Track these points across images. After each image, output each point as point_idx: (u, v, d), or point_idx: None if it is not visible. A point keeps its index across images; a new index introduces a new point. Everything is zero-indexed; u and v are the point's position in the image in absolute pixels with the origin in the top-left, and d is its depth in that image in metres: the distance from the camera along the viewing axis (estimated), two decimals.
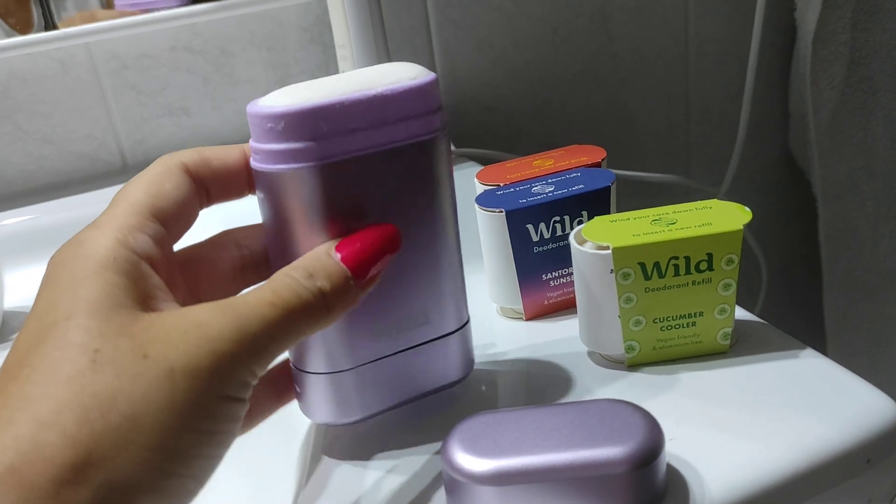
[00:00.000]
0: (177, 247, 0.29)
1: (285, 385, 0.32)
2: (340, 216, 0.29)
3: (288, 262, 0.30)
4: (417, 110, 0.29)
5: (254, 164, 0.29)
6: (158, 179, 0.27)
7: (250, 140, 0.29)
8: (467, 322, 0.34)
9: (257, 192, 0.29)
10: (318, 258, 0.27)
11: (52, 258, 0.25)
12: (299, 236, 0.29)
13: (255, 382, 0.25)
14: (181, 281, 0.29)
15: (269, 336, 0.24)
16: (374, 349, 0.31)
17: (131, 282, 0.24)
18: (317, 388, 0.32)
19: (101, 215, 0.27)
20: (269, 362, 0.25)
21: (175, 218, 0.28)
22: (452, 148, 0.68)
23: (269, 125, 0.27)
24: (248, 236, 0.31)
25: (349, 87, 0.28)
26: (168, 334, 0.23)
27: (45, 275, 0.25)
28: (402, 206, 0.30)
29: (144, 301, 0.24)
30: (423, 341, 0.32)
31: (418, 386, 0.33)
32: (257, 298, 0.25)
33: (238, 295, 0.25)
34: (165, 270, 0.27)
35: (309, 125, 0.27)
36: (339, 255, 0.27)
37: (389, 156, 0.29)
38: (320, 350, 0.31)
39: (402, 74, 0.29)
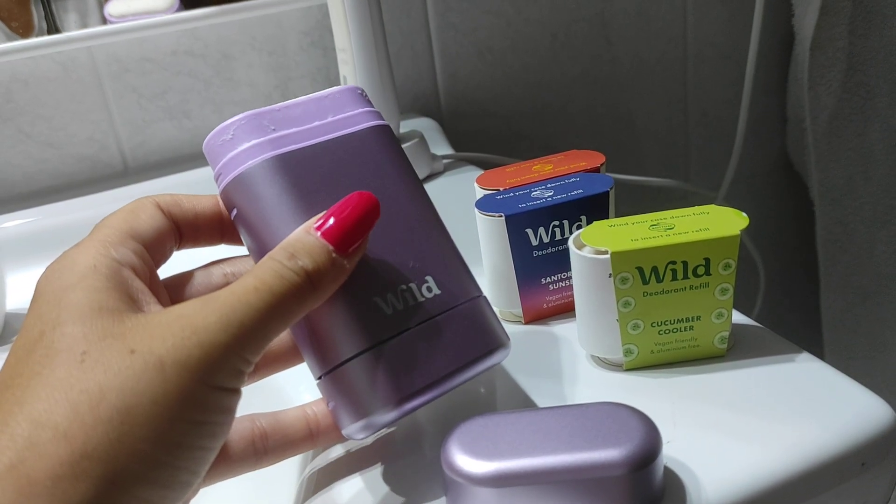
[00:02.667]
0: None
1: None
2: (312, 198, 0.29)
3: None
4: (356, 106, 0.33)
5: (221, 185, 0.30)
6: (133, 210, 0.29)
7: (214, 173, 0.30)
8: (482, 294, 0.32)
9: (232, 212, 0.30)
10: (298, 238, 0.27)
11: (39, 278, 0.26)
12: (280, 229, 0.29)
13: (248, 370, 0.25)
14: (167, 301, 0.29)
15: (257, 321, 0.24)
16: (391, 323, 0.29)
17: (113, 284, 0.25)
18: (346, 380, 0.29)
19: (82, 240, 0.27)
20: (262, 348, 0.25)
21: (151, 243, 0.28)
22: (451, 151, 0.69)
23: (223, 138, 0.30)
24: (235, 264, 0.32)
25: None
26: (153, 330, 0.23)
27: (33, 294, 0.26)
28: (372, 182, 0.31)
29: (128, 303, 0.25)
30: (443, 310, 0.30)
31: (457, 356, 0.30)
32: (241, 287, 0.25)
33: (223, 288, 0.25)
34: (148, 282, 0.27)
35: (256, 125, 0.30)
36: (318, 232, 0.27)
37: (345, 140, 0.31)
38: (340, 331, 0.29)
39: (331, 89, 0.33)
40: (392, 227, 0.30)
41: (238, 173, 0.30)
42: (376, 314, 0.29)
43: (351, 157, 0.31)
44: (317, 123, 0.31)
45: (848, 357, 0.91)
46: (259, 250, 0.30)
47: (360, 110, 0.33)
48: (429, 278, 0.31)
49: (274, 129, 0.30)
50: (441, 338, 0.30)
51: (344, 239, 0.27)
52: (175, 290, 0.30)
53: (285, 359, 0.32)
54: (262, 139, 0.30)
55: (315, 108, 0.32)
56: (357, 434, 0.29)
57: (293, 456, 0.30)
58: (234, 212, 0.30)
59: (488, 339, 0.31)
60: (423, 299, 0.30)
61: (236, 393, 0.24)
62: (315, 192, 0.30)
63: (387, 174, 0.31)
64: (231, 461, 0.28)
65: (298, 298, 0.26)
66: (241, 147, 0.30)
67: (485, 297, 0.32)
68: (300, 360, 0.32)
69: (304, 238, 0.27)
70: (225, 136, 0.30)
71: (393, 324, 0.29)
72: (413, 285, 0.30)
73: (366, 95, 0.34)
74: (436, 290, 0.30)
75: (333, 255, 0.27)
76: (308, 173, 0.30)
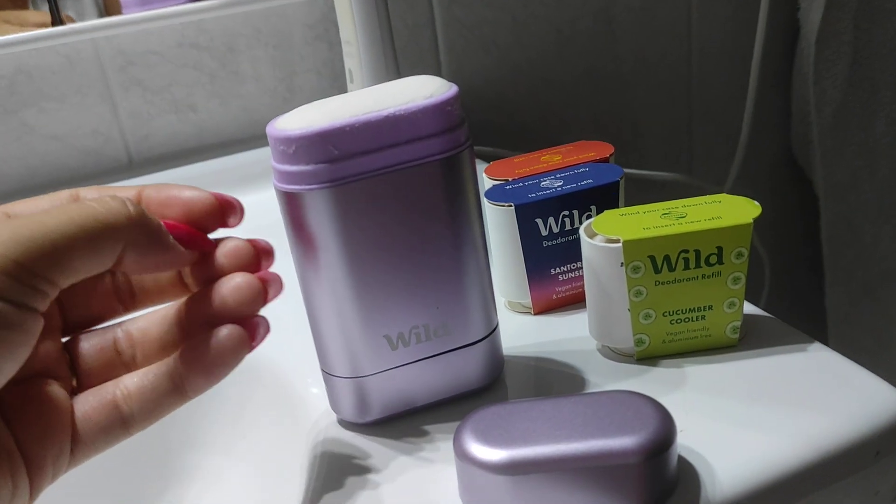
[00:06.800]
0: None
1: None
2: (355, 234, 0.29)
3: (308, 279, 0.31)
4: (433, 129, 0.29)
5: (274, 181, 0.30)
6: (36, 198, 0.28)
7: (271, 159, 0.30)
8: (494, 330, 0.34)
9: (279, 207, 0.30)
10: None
11: None
12: (317, 253, 0.30)
13: (45, 289, 0.23)
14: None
15: (51, 236, 0.23)
16: (393, 357, 0.32)
17: None
18: (339, 389, 0.33)
19: None
20: (59, 263, 0.23)
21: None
22: None
23: (282, 148, 0.28)
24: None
25: (363, 106, 0.29)
26: None
27: None
28: (420, 223, 0.30)
29: None
30: (443, 351, 0.33)
31: (439, 391, 0.33)
32: (48, 210, 0.24)
33: None
34: None
35: (319, 149, 0.28)
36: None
37: (406, 175, 0.29)
38: (341, 355, 0.32)
39: (420, 91, 0.29)
40: (427, 270, 0.31)
41: (291, 190, 0.29)
42: (379, 350, 0.32)
43: (405, 194, 0.29)
44: (384, 152, 0.29)
45: (853, 351, 0.90)
46: (297, 264, 0.31)
47: (437, 137, 0.29)
48: (445, 321, 0.32)
49: (338, 155, 0.28)
50: (425, 376, 0.33)
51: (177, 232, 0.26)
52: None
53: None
54: (320, 166, 0.28)
55: (390, 130, 0.28)
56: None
57: (164, 415, 0.28)
58: (282, 212, 0.30)
59: (472, 380, 0.34)
60: (430, 340, 0.32)
61: (28, 311, 0.23)
62: (360, 228, 0.29)
63: (436, 215, 0.30)
64: (96, 430, 0.26)
65: (104, 221, 0.24)
66: (298, 167, 0.28)
67: (494, 332, 0.34)
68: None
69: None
70: (287, 147, 0.28)
71: (391, 359, 0.32)
72: (427, 326, 0.32)
73: (455, 109, 0.30)
74: (446, 333, 0.32)
75: (161, 224, 0.26)
76: (356, 206, 0.29)
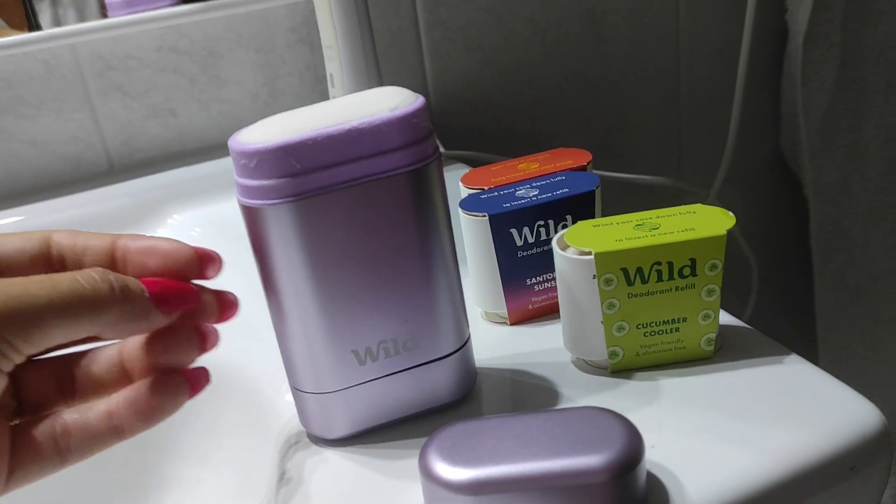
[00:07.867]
0: None
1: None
2: (320, 248, 0.29)
3: (274, 294, 0.30)
4: (398, 142, 0.28)
5: (237, 195, 0.29)
6: (13, 232, 0.28)
7: (234, 172, 0.29)
8: (465, 343, 0.33)
9: (243, 222, 0.30)
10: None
11: None
12: (281, 268, 0.29)
13: (12, 355, 0.23)
14: None
15: (29, 306, 0.23)
16: (361, 372, 0.31)
17: None
18: (306, 405, 0.32)
19: None
20: (27, 334, 0.24)
21: (7, 254, 0.27)
22: (441, 150, 0.68)
23: (243, 161, 0.28)
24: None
25: (327, 119, 0.28)
26: None
27: None
28: (386, 236, 0.30)
29: None
30: (413, 365, 0.32)
31: (409, 406, 0.33)
32: (36, 277, 0.24)
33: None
34: None
35: (281, 163, 0.28)
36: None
37: (371, 188, 0.29)
38: (308, 371, 0.31)
39: (385, 103, 0.29)
40: (395, 284, 0.30)
41: (253, 205, 0.28)
42: (346, 365, 0.31)
43: (370, 208, 0.29)
44: (346, 166, 0.28)
45: (843, 356, 0.90)
46: (262, 278, 0.30)
47: (402, 150, 0.29)
48: (415, 334, 0.31)
49: (300, 169, 0.28)
50: (395, 391, 0.32)
51: (161, 296, 0.27)
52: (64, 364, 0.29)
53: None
54: (282, 181, 0.28)
55: (353, 143, 0.28)
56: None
57: (100, 451, 0.28)
58: (245, 226, 0.30)
59: (442, 395, 0.33)
60: (399, 354, 0.32)
61: None
62: (324, 243, 0.29)
63: (403, 228, 0.30)
64: (33, 460, 0.27)
65: (89, 300, 0.25)
66: (260, 181, 0.28)
67: (465, 345, 0.33)
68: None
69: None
70: (248, 161, 0.28)
71: (359, 374, 0.31)
72: (396, 340, 0.31)
73: (422, 121, 0.29)
74: (416, 347, 0.32)
75: (146, 294, 0.26)
76: (320, 221, 0.28)
